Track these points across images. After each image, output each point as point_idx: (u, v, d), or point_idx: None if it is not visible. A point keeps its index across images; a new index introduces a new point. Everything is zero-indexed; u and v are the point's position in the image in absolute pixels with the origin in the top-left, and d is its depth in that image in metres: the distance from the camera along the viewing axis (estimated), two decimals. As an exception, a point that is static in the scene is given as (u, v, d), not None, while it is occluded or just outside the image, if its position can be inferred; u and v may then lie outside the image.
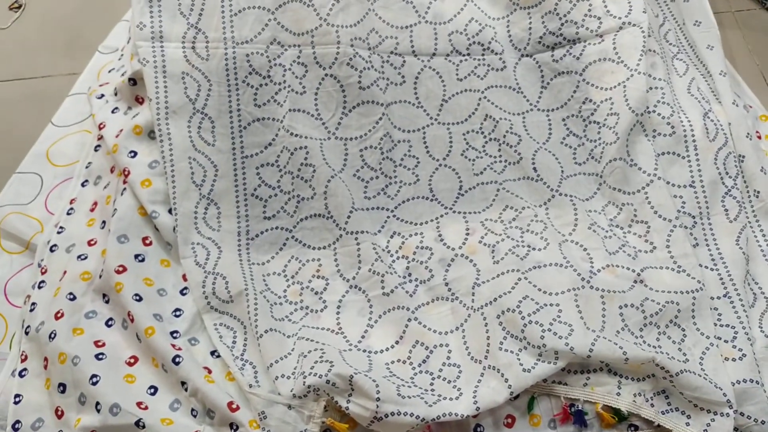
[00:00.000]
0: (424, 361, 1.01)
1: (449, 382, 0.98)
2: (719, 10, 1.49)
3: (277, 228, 1.14)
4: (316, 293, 1.09)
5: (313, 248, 1.13)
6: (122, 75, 1.26)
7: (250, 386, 0.96)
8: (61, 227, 1.14)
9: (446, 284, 1.07)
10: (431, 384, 0.98)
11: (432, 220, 1.15)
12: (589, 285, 1.03)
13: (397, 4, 1.21)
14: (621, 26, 1.20)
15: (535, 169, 1.17)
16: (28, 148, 1.27)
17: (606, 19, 1.21)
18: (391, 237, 1.14)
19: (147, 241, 1.09)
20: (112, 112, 1.22)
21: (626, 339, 0.98)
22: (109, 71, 1.35)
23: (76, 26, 1.56)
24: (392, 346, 1.03)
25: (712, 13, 1.35)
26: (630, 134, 1.14)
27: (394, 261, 1.11)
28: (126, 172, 1.11)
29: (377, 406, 0.91)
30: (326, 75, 1.17)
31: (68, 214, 1.16)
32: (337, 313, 1.07)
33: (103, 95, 1.27)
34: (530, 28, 1.24)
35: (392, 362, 1.01)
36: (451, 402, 0.95)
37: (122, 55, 1.36)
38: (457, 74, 1.21)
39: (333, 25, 1.18)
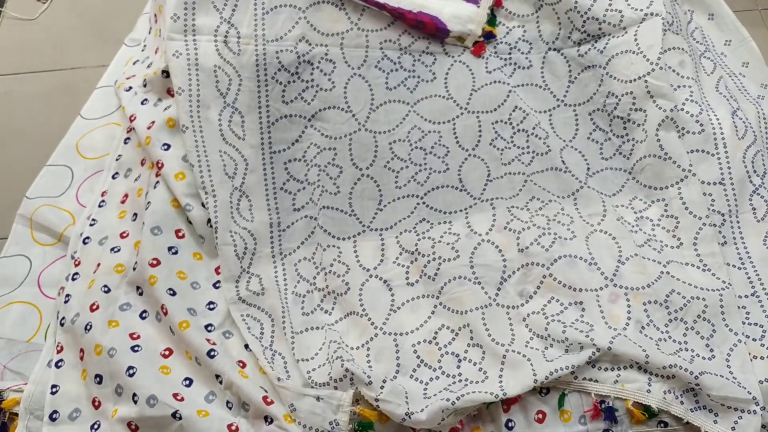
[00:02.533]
0: (449, 343, 1.03)
1: (475, 364, 1.00)
2: (746, 8, 1.48)
3: (306, 217, 1.15)
4: (338, 276, 1.10)
5: (333, 236, 1.14)
6: (148, 67, 1.26)
7: (279, 379, 0.97)
8: (93, 219, 1.15)
9: (471, 267, 1.08)
10: (458, 366, 1.00)
11: (461, 210, 1.16)
12: (613, 283, 1.04)
13: None
14: (643, 18, 1.20)
15: (563, 161, 1.18)
16: (58, 140, 1.27)
17: (627, 11, 1.21)
18: (419, 223, 1.15)
19: (180, 234, 1.10)
20: (142, 103, 1.22)
21: (651, 335, 0.99)
22: (134, 63, 1.35)
23: (105, 16, 1.55)
24: (417, 329, 1.05)
25: (738, 19, 1.35)
26: (660, 130, 1.14)
27: (419, 241, 1.12)
28: (159, 165, 1.12)
29: (407, 404, 0.93)
30: (354, 74, 1.18)
31: (100, 206, 1.17)
32: (360, 294, 1.08)
33: (131, 87, 1.27)
34: (560, 23, 1.24)
35: (419, 342, 1.03)
36: (477, 385, 0.97)
37: (145, 46, 1.36)
38: (486, 68, 1.22)
39: (363, 30, 1.19)
